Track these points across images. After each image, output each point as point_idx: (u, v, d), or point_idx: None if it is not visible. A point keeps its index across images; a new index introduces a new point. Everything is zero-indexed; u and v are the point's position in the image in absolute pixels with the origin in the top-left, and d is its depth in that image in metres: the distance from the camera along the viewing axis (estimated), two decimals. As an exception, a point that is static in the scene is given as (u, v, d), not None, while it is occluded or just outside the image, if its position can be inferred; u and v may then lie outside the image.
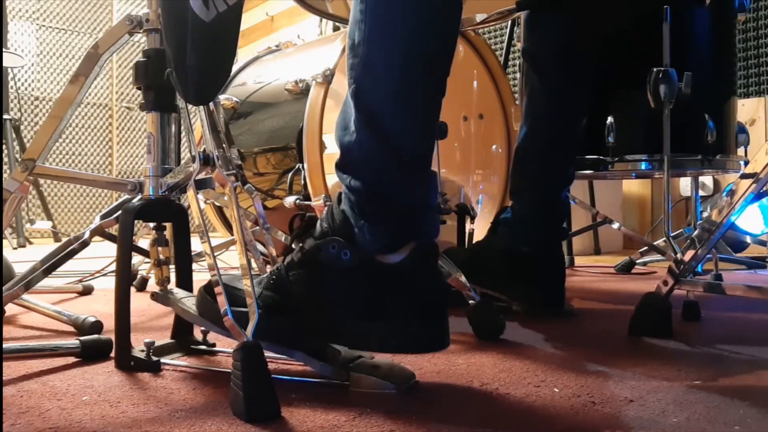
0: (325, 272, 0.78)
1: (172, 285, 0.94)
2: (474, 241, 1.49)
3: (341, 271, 0.77)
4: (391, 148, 0.78)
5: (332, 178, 1.46)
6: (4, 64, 3.54)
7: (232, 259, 1.93)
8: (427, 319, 0.78)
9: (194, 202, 0.82)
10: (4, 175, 1.12)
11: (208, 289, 0.81)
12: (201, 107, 0.89)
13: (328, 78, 1.47)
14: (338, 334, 0.79)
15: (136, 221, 0.93)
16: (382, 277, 0.77)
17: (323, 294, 0.78)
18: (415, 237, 0.78)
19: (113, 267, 1.02)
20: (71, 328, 1.12)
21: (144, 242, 1.21)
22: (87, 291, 1.59)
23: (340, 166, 0.81)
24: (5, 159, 3.50)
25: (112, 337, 0.89)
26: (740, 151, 1.66)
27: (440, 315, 0.79)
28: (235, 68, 1.88)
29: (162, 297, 0.90)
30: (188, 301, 0.86)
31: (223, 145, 0.92)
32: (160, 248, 0.93)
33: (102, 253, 1.70)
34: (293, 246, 0.82)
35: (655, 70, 1.40)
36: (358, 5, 0.77)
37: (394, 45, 0.76)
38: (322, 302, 0.78)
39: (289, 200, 1.46)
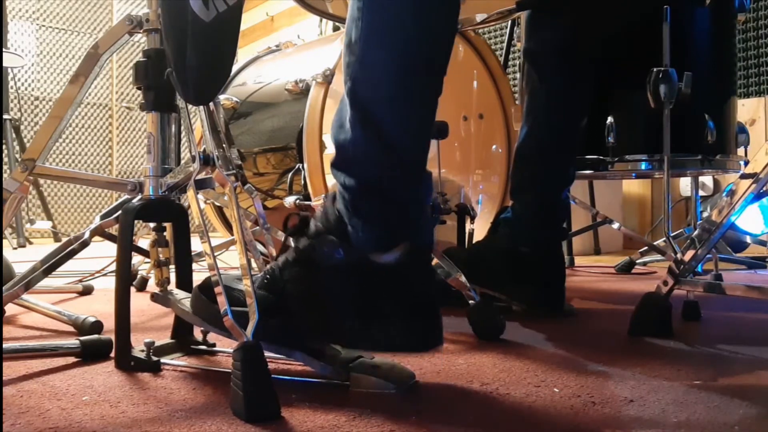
0: (318, 270, 0.77)
1: (172, 286, 0.94)
2: (474, 241, 1.49)
3: (335, 270, 0.77)
4: (385, 146, 0.77)
5: (332, 179, 1.46)
6: (4, 64, 3.54)
7: (232, 259, 1.93)
8: (420, 319, 0.78)
9: (194, 202, 0.82)
10: (4, 175, 1.12)
11: (203, 288, 0.81)
12: (201, 107, 0.89)
13: (328, 78, 1.47)
14: (332, 334, 0.79)
15: (136, 221, 0.93)
16: (375, 276, 0.77)
17: (317, 293, 0.78)
18: (408, 236, 0.78)
19: (113, 267, 1.02)
20: (71, 328, 1.12)
21: (144, 242, 1.21)
22: (87, 291, 1.59)
23: (335, 164, 0.81)
24: (5, 159, 3.50)
25: (112, 337, 0.89)
26: (740, 151, 1.66)
27: (433, 314, 0.79)
28: (235, 68, 1.88)
29: (162, 298, 0.91)
30: (188, 302, 0.86)
31: (223, 145, 0.92)
32: (160, 249, 0.93)
33: (102, 253, 1.70)
34: (289, 243, 0.82)
35: (655, 70, 1.40)
36: (355, 3, 0.77)
37: (391, 43, 0.76)
38: (315, 301, 0.78)
39: (289, 200, 1.46)
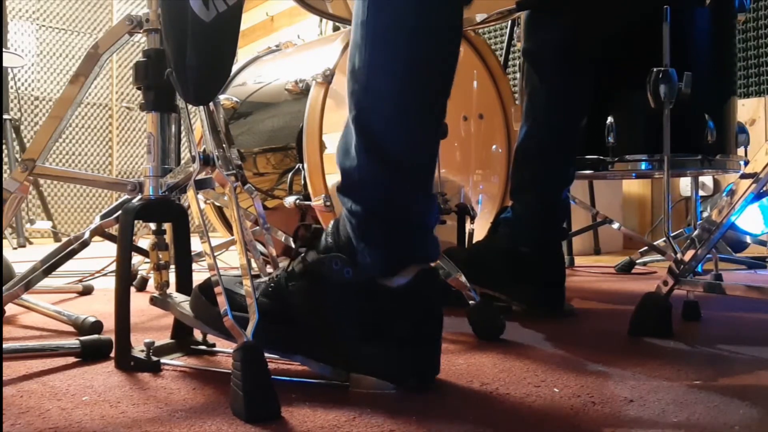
0: (325, 287, 0.78)
1: (171, 289, 0.94)
2: (474, 241, 1.49)
3: (342, 288, 0.77)
4: (391, 172, 0.77)
5: (332, 178, 1.46)
6: (4, 64, 3.54)
7: (232, 259, 1.93)
8: (420, 347, 0.78)
9: (194, 202, 0.82)
10: (4, 175, 1.12)
11: (203, 289, 0.81)
12: (201, 107, 0.89)
13: (328, 78, 1.47)
14: (331, 352, 0.78)
15: (136, 221, 0.93)
16: (381, 299, 0.77)
17: (321, 308, 0.78)
18: (415, 261, 0.78)
19: (113, 267, 1.02)
20: (71, 328, 1.12)
21: (144, 242, 1.21)
22: (87, 291, 1.59)
23: (341, 190, 0.81)
24: (5, 159, 3.50)
25: (112, 337, 0.89)
26: (740, 151, 1.66)
27: (433, 343, 0.79)
28: (235, 68, 1.88)
29: (161, 301, 0.91)
30: (187, 305, 0.86)
31: (223, 145, 0.92)
32: (159, 252, 0.93)
33: (102, 253, 1.70)
34: (299, 251, 0.82)
35: (655, 70, 1.40)
36: (358, 30, 0.76)
37: (395, 71, 0.76)
38: (319, 316, 0.78)
39: (289, 200, 1.46)
